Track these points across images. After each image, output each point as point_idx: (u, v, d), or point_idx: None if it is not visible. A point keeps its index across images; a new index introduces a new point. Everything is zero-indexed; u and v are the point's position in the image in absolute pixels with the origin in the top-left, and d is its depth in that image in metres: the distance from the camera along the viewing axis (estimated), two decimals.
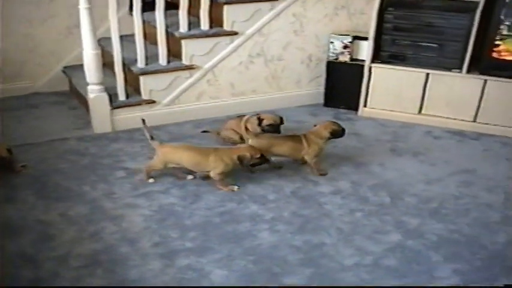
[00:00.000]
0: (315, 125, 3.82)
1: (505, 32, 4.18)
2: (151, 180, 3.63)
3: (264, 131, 3.92)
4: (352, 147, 4.22)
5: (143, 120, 3.63)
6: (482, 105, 4.45)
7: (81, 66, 4.19)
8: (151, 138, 3.60)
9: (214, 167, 3.51)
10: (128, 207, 3.35)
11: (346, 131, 3.85)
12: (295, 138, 3.77)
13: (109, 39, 4.18)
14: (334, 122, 3.83)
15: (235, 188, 3.60)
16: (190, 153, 3.56)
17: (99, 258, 2.90)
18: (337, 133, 3.77)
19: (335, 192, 3.59)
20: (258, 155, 3.53)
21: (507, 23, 4.14)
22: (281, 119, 4.02)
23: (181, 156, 3.55)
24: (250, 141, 3.68)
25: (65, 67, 5.07)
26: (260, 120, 3.94)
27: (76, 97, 4.85)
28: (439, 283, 2.80)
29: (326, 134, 3.72)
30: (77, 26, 4.03)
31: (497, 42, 4.22)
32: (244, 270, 2.84)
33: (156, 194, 3.49)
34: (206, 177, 3.64)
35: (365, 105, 4.76)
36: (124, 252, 2.95)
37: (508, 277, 2.85)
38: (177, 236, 3.10)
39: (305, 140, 3.73)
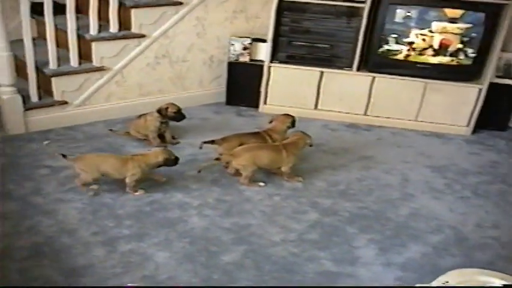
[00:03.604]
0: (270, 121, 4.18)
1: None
2: (261, 184, 3.80)
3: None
4: None
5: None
6: (371, 100, 4.91)
7: None
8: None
9: (288, 162, 3.75)
10: (59, 201, 3.43)
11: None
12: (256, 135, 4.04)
13: (12, 42, 4.16)
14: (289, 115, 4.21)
15: (301, 179, 3.88)
16: (266, 151, 3.77)
17: (42, 249, 2.99)
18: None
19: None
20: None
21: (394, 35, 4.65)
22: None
23: (262, 157, 3.72)
24: (219, 148, 3.88)
25: None
26: (166, 109, 4.17)
27: None
28: (358, 252, 3.17)
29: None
30: None
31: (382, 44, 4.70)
32: (184, 251, 3.07)
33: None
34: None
35: (265, 103, 5.08)
36: (65, 242, 3.07)
37: (414, 242, 3.29)
38: (114, 225, 3.25)
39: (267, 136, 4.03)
